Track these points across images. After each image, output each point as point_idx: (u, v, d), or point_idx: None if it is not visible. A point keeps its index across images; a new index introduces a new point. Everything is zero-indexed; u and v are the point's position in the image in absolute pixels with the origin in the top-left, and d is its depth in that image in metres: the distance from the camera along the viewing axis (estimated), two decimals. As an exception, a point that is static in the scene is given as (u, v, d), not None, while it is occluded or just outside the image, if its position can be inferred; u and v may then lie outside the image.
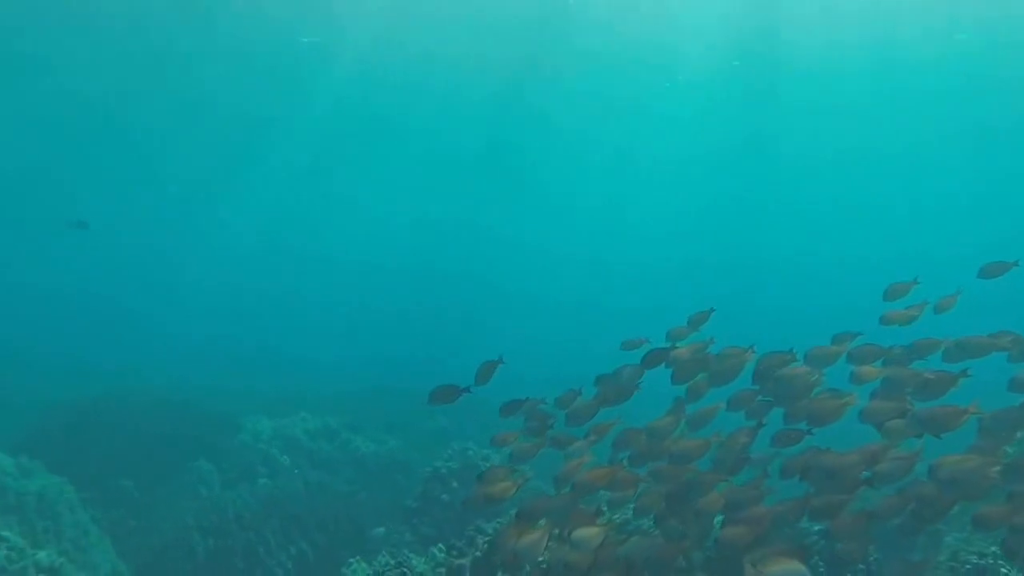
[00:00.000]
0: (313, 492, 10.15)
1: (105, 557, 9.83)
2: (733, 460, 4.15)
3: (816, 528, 4.33)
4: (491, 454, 9.29)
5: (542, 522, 3.88)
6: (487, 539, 4.86)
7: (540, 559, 3.68)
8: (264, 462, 11.59)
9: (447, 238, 41.69)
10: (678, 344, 4.89)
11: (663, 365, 4.75)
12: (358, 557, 5.86)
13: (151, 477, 11.57)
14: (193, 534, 9.43)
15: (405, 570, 4.52)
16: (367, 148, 33.93)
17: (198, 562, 9.27)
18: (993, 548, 4.78)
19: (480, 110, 29.05)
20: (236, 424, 12.63)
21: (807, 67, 24.51)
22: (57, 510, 9.89)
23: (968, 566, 4.73)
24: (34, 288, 34.19)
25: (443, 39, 22.88)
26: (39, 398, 15.38)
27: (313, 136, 32.00)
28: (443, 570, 4.59)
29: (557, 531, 3.84)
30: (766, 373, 4.48)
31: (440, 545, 5.53)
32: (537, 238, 42.36)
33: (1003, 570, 4.62)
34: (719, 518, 4.04)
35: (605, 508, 4.35)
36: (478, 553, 4.62)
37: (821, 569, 4.32)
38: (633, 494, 4.17)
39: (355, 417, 13.29)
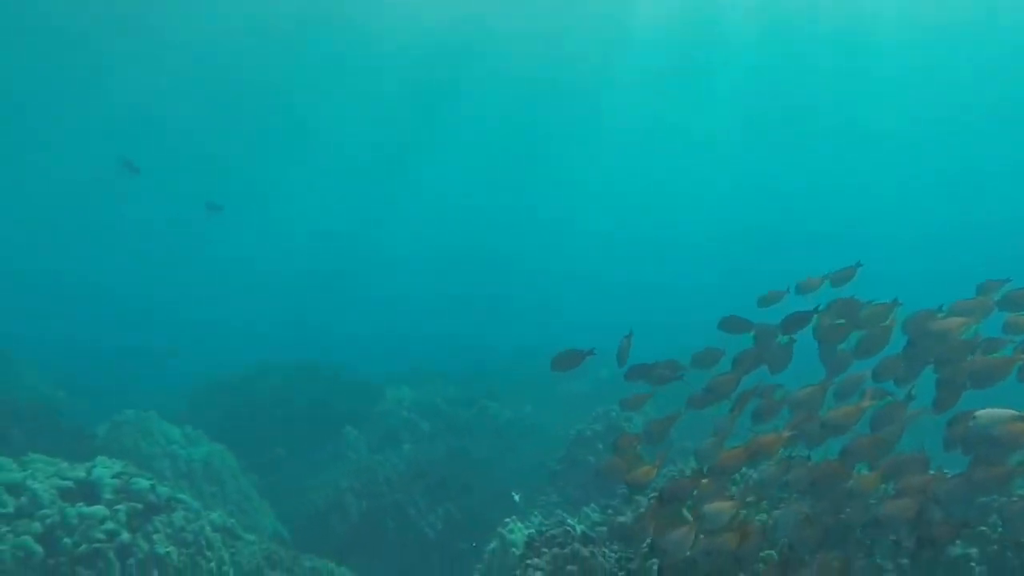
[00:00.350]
0: (455, 456, 10.50)
1: (266, 519, 10.46)
2: (891, 429, 4.01)
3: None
4: (634, 416, 9.38)
5: (686, 510, 3.83)
6: (653, 495, 4.90)
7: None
8: (407, 428, 12.05)
9: (493, 222, 42.14)
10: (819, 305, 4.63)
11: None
12: (513, 517, 6.08)
13: (301, 444, 12.20)
14: (347, 496, 9.93)
15: (568, 527, 4.60)
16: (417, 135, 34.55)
17: (352, 523, 9.78)
18: None
19: (518, 91, 29.17)
20: (378, 393, 13.13)
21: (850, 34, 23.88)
22: (222, 476, 10.57)
23: None
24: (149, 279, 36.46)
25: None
26: (187, 375, 16.45)
27: (366, 124, 32.71)
28: (603, 529, 4.67)
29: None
30: (920, 331, 4.25)
31: (592, 505, 5.68)
32: (583, 221, 42.22)
33: None
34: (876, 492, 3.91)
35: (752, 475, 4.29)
36: (641, 510, 4.64)
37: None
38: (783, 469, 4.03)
39: (483, 387, 13.64)
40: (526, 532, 6.07)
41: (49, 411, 10.66)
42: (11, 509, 6.51)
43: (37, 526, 6.39)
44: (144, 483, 7.04)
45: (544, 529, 4.72)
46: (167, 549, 6.40)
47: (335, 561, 8.24)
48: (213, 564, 6.59)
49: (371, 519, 9.57)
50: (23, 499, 6.59)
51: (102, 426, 11.12)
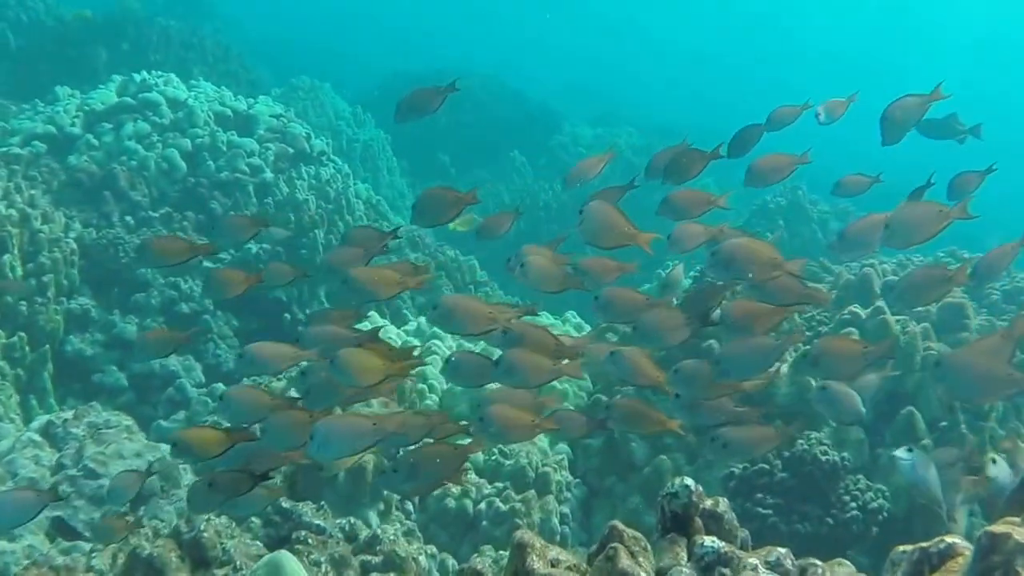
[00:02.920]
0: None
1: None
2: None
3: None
4: (819, 199, 8.44)
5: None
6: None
7: None
8: (579, 166, 11.30)
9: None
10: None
11: None
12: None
13: (467, 157, 11.70)
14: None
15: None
16: None
17: (507, 240, 9.33)
18: None
19: None
20: (557, 124, 12.36)
21: None
22: (378, 164, 10.24)
23: None
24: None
25: None
26: (386, 63, 16.05)
27: None
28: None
29: None
30: None
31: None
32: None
33: None
34: None
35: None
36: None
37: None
38: None
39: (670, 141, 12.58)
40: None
41: (231, 61, 10.40)
42: (166, 121, 6.24)
43: (186, 143, 6.11)
44: (300, 129, 6.64)
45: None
46: (306, 197, 6.03)
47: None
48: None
49: (522, 238, 9.05)
50: (179, 114, 6.29)
51: (278, 88, 10.87)
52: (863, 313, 3.86)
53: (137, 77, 6.43)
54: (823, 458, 3.47)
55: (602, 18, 33.79)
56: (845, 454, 3.52)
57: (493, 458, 3.83)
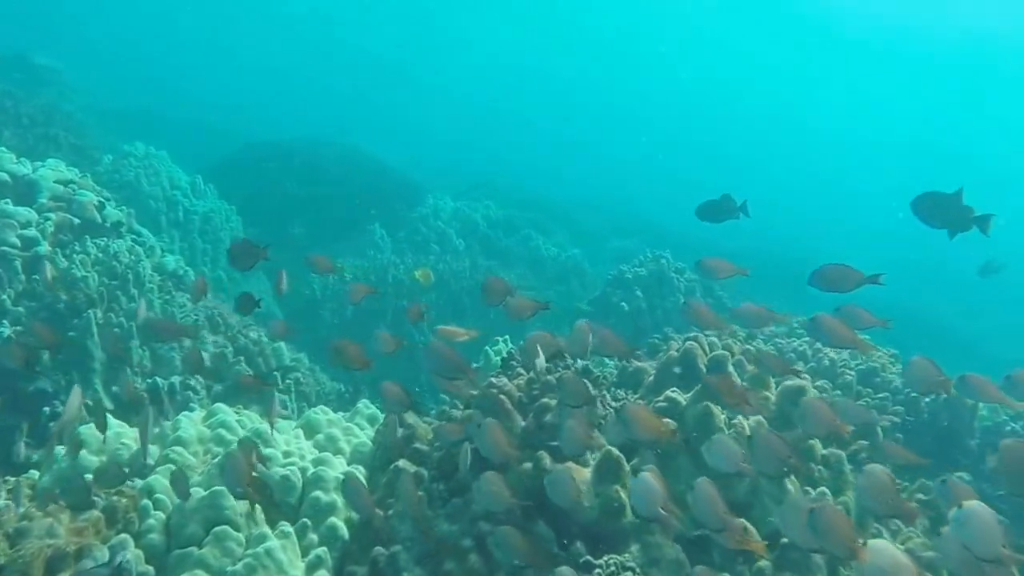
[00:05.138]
0: (481, 278, 9.18)
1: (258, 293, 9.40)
2: None
3: None
4: (686, 268, 7.96)
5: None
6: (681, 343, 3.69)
7: None
8: (439, 240, 10.75)
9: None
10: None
11: None
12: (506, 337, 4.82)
13: (324, 230, 11.04)
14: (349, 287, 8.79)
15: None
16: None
17: (345, 319, 8.67)
18: None
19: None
20: (420, 197, 11.83)
21: None
22: (219, 236, 9.46)
23: None
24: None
25: None
26: (239, 136, 15.29)
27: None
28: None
29: None
30: None
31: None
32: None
33: None
34: None
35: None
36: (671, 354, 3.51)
37: None
38: None
39: (532, 217, 12.23)
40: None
41: (54, 125, 9.55)
42: (-79, 188, 5.41)
43: (-56, 211, 5.28)
44: (91, 197, 5.86)
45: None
46: (86, 274, 5.23)
47: (308, 351, 7.10)
48: (135, 304, 5.41)
49: (364, 318, 8.37)
50: (-60, 179, 5.46)
51: (109, 155, 10.04)
52: (683, 399, 3.27)
53: None
54: (632, 583, 2.83)
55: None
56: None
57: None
